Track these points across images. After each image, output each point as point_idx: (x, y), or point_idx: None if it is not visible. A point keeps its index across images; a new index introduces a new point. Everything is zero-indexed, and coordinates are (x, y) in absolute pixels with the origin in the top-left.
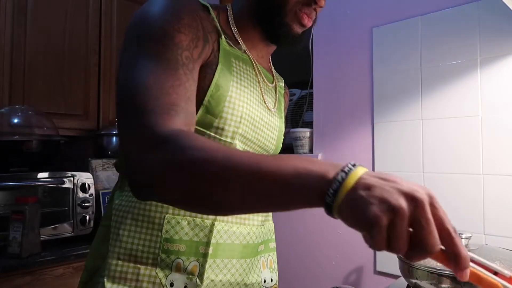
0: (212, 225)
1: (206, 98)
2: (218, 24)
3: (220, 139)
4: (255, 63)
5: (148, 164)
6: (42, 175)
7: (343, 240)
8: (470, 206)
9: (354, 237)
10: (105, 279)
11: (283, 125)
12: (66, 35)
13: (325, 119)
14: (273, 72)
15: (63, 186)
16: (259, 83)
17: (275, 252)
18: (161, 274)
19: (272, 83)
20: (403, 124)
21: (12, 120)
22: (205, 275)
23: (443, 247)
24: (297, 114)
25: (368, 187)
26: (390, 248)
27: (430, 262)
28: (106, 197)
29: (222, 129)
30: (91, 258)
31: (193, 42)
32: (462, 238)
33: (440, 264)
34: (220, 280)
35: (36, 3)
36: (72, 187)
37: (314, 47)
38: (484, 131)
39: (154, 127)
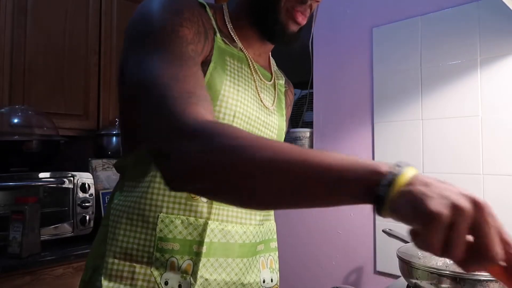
0: (206, 224)
1: None
2: (214, 22)
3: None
4: (251, 61)
5: (186, 152)
6: (42, 175)
7: (343, 240)
8: None
9: (354, 237)
10: (102, 277)
11: (283, 123)
12: (66, 35)
13: (325, 119)
14: (273, 70)
15: (63, 186)
16: (254, 81)
17: (277, 252)
18: (155, 273)
19: (270, 81)
20: (403, 124)
21: (12, 120)
22: (199, 274)
23: (503, 264)
24: (297, 114)
25: (427, 184)
26: (445, 251)
27: (430, 262)
28: (106, 197)
29: None
30: (91, 257)
31: (196, 36)
32: None
33: (440, 264)
34: (215, 279)
35: (36, 3)
36: (72, 187)
37: (314, 47)
38: (484, 131)
39: (182, 115)
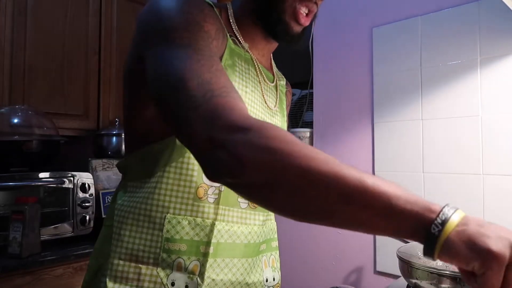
0: (213, 224)
1: None
2: (222, 22)
3: None
4: (256, 62)
5: (242, 142)
6: (42, 175)
7: (343, 240)
8: (470, 206)
9: (354, 237)
10: (107, 279)
11: (285, 124)
12: (66, 35)
13: (325, 119)
14: (274, 70)
15: (63, 186)
16: (260, 83)
17: (278, 251)
18: (162, 274)
19: (272, 82)
20: (403, 124)
21: (12, 120)
22: (206, 275)
23: None
24: (297, 114)
25: (480, 224)
26: None
27: (430, 262)
28: (106, 197)
29: None
30: (94, 257)
31: (217, 32)
32: None
33: (440, 264)
34: (221, 280)
35: (36, 3)
36: (72, 187)
37: (314, 47)
38: (484, 131)
39: (229, 109)
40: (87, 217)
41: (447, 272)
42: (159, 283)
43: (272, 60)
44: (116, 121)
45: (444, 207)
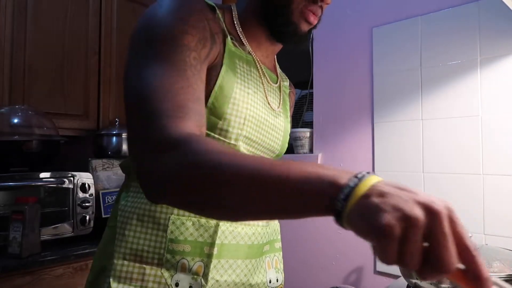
0: (217, 225)
1: (210, 100)
2: (223, 25)
3: (224, 141)
4: (259, 64)
5: (160, 166)
6: (42, 175)
7: (343, 240)
8: (470, 206)
9: (354, 237)
10: (111, 279)
11: (288, 125)
12: (66, 35)
13: (325, 119)
14: (278, 71)
15: (63, 186)
16: (262, 84)
17: (281, 252)
18: (166, 274)
19: (276, 83)
20: (403, 124)
21: (12, 120)
22: (210, 276)
23: (462, 266)
24: (297, 114)
25: (382, 194)
26: (401, 262)
27: None
28: (106, 197)
29: (226, 130)
30: (97, 258)
31: (200, 42)
32: None
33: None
34: (225, 281)
35: (36, 3)
36: (72, 187)
37: (314, 47)
38: (484, 131)
39: (165, 129)
40: (87, 217)
41: (498, 281)
42: (163, 284)
43: (276, 61)
44: (116, 121)
45: (351, 178)
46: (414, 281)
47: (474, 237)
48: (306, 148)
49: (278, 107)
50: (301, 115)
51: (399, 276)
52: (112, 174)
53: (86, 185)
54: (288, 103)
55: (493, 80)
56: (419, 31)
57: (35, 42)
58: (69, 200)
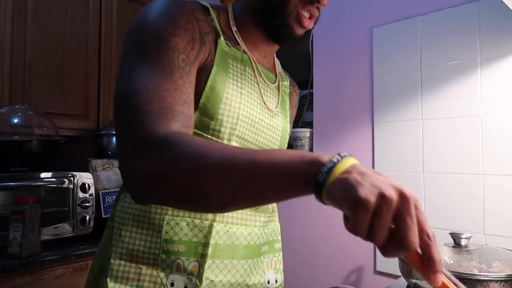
0: (211, 226)
1: (201, 101)
2: (218, 25)
3: (217, 141)
4: (254, 63)
5: (142, 167)
6: (42, 175)
7: (343, 240)
8: (470, 206)
9: (354, 237)
10: (108, 279)
11: (288, 125)
12: (66, 35)
13: (325, 119)
14: (277, 71)
15: (63, 186)
16: (258, 83)
17: (281, 253)
18: (162, 274)
19: (273, 83)
20: (403, 124)
21: (12, 120)
22: (204, 276)
23: (419, 251)
24: (297, 114)
25: (362, 173)
26: (369, 236)
27: None
28: (106, 197)
29: (219, 131)
30: (97, 258)
31: (189, 44)
32: (462, 238)
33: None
34: (220, 281)
35: (36, 3)
36: (72, 187)
37: (314, 47)
38: (484, 131)
39: (149, 131)
40: (87, 217)
41: (447, 272)
42: (159, 283)
43: (277, 60)
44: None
45: (334, 156)
46: (414, 281)
47: (474, 237)
48: (306, 148)
49: (276, 107)
50: (301, 115)
51: (399, 276)
52: (112, 174)
53: (86, 185)
54: (288, 103)
55: (493, 80)
56: (419, 31)
57: (35, 42)
58: (69, 200)
